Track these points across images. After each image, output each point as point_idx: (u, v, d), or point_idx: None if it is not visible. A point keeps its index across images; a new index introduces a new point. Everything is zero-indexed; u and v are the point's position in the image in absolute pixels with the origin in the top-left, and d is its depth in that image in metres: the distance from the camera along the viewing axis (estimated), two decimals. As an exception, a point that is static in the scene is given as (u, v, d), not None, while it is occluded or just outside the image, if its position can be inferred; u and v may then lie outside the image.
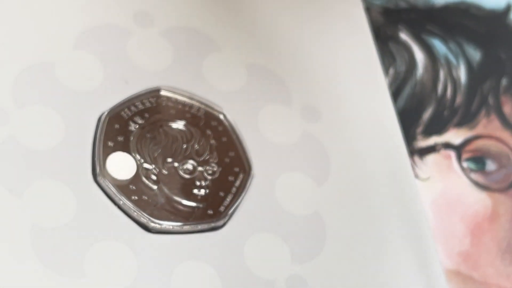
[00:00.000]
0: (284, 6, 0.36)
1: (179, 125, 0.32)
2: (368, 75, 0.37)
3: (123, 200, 0.30)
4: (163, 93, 0.33)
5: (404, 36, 0.39)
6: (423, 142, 0.37)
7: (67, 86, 0.31)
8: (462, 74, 0.39)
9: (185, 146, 0.32)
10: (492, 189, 0.36)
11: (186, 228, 0.30)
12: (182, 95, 0.33)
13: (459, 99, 0.38)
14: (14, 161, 0.29)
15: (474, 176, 0.36)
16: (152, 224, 0.30)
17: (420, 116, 0.37)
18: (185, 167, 0.32)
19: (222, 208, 0.31)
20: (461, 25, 0.40)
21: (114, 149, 0.31)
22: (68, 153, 0.30)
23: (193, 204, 0.31)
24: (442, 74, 0.39)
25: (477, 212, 0.36)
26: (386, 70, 0.38)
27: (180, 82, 0.33)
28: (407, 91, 0.38)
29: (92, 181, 0.30)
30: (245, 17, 0.36)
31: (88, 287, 0.29)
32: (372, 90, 0.36)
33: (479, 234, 0.35)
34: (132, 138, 0.31)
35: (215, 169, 0.32)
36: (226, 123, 0.33)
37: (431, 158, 0.36)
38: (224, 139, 0.33)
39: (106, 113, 0.31)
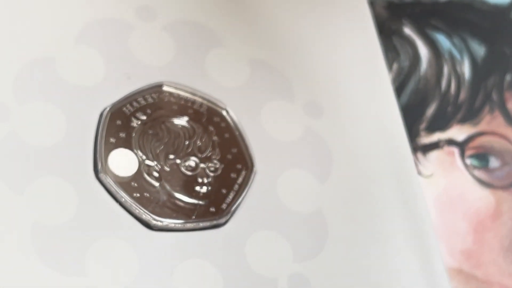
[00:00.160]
0: (287, 1, 0.36)
1: (181, 121, 0.32)
2: (371, 71, 0.36)
3: (124, 197, 0.30)
4: (165, 88, 0.32)
5: (408, 30, 0.39)
6: (426, 139, 0.36)
7: (68, 81, 0.31)
8: (466, 69, 0.38)
9: (187, 143, 0.32)
10: (495, 186, 0.36)
11: (188, 225, 0.30)
12: (185, 91, 0.33)
13: (463, 95, 0.38)
14: (15, 157, 0.29)
15: (477, 173, 0.36)
16: (154, 222, 0.30)
17: (423, 112, 0.37)
18: (187, 164, 0.31)
19: (224, 206, 0.31)
20: (465, 20, 0.40)
21: (116, 146, 0.31)
22: (70, 149, 0.30)
23: (195, 201, 0.31)
24: (446, 70, 0.38)
25: (480, 210, 0.35)
26: (389, 65, 0.37)
27: (182, 77, 0.33)
28: (410, 86, 0.38)
29: (93, 178, 0.30)
30: (249, 11, 0.35)
31: (90, 285, 0.28)
32: (375, 85, 0.36)
33: (481, 232, 0.35)
34: (134, 135, 0.31)
35: (217, 166, 0.32)
36: (229, 119, 0.33)
37: (434, 154, 0.36)
38: (227, 135, 0.32)
39: (108, 109, 0.31)
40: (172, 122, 0.32)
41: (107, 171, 0.30)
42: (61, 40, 0.32)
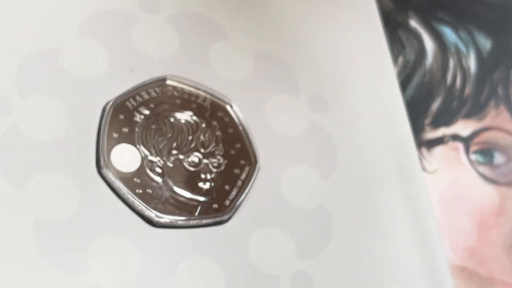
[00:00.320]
0: (293, -7, 0.36)
1: (185, 115, 0.32)
2: (376, 64, 0.36)
3: (127, 194, 0.30)
4: (169, 82, 0.32)
5: (414, 23, 0.38)
6: (431, 134, 0.36)
7: (71, 74, 0.31)
8: (472, 63, 0.38)
9: (190, 138, 0.31)
10: (500, 182, 0.36)
11: (191, 222, 0.30)
12: (188, 85, 0.32)
13: (468, 90, 0.38)
14: (17, 152, 0.29)
15: (482, 169, 0.36)
16: (157, 218, 0.30)
17: (428, 106, 0.37)
18: (190, 160, 0.31)
19: (227, 202, 0.31)
20: (471, 12, 0.39)
21: (119, 141, 0.30)
22: (72, 144, 0.30)
23: (198, 197, 0.31)
24: (451, 63, 0.38)
25: (484, 206, 0.35)
26: (395, 58, 0.37)
27: (186, 70, 0.33)
28: (416, 80, 0.37)
29: (96, 173, 0.30)
30: (253, 4, 0.35)
31: (92, 281, 0.28)
32: (380, 79, 0.36)
33: (485, 229, 0.35)
34: (137, 129, 0.31)
35: (220, 161, 0.31)
36: (233, 114, 0.32)
37: (438, 150, 0.36)
38: (230, 130, 0.32)
39: (110, 103, 0.31)
40: (176, 117, 0.32)
41: (109, 166, 0.30)
42: (64, 32, 0.31)
